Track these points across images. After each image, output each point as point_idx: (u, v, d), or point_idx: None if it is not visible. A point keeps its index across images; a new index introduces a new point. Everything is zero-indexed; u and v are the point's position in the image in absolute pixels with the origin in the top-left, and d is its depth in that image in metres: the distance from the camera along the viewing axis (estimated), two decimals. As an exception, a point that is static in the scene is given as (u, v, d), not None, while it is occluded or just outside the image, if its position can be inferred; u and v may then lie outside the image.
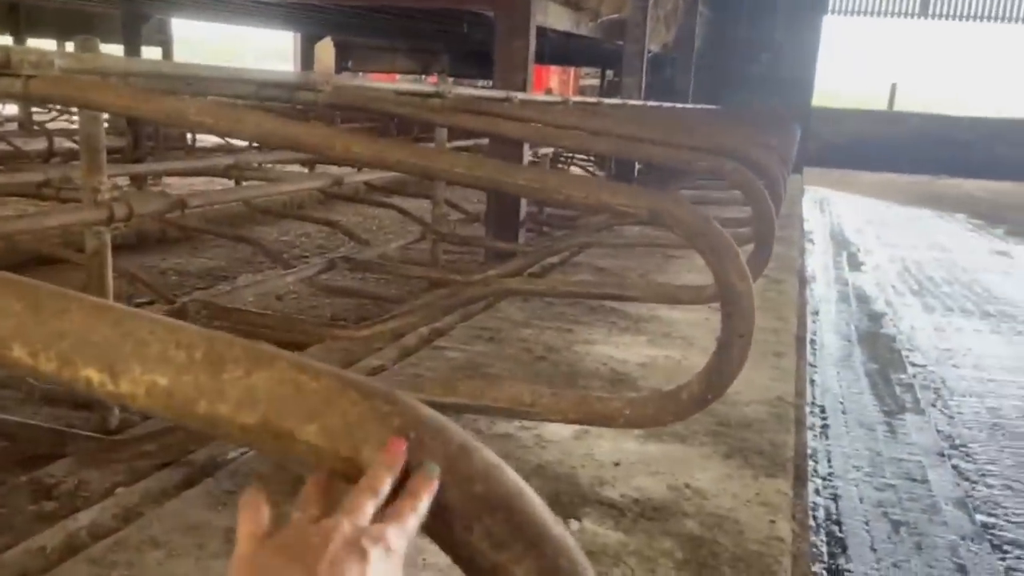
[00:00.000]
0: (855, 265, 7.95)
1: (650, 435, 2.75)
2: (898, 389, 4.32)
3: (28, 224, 2.18)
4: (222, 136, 5.80)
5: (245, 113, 1.49)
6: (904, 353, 4.98)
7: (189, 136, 8.70)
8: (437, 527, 0.44)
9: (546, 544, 0.42)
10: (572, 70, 22.50)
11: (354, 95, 2.52)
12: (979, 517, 2.93)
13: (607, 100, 6.42)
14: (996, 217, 11.78)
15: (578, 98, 5.83)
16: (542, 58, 12.53)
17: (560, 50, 11.29)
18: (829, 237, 9.52)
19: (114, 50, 10.22)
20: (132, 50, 9.10)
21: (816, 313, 5.80)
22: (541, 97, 4.43)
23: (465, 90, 3.51)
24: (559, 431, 2.71)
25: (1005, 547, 2.70)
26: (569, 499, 2.28)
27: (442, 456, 0.43)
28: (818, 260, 7.99)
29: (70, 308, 0.49)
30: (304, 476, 0.48)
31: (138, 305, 3.91)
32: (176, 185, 6.80)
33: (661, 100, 8.97)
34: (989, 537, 2.76)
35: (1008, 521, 2.88)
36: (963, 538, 2.76)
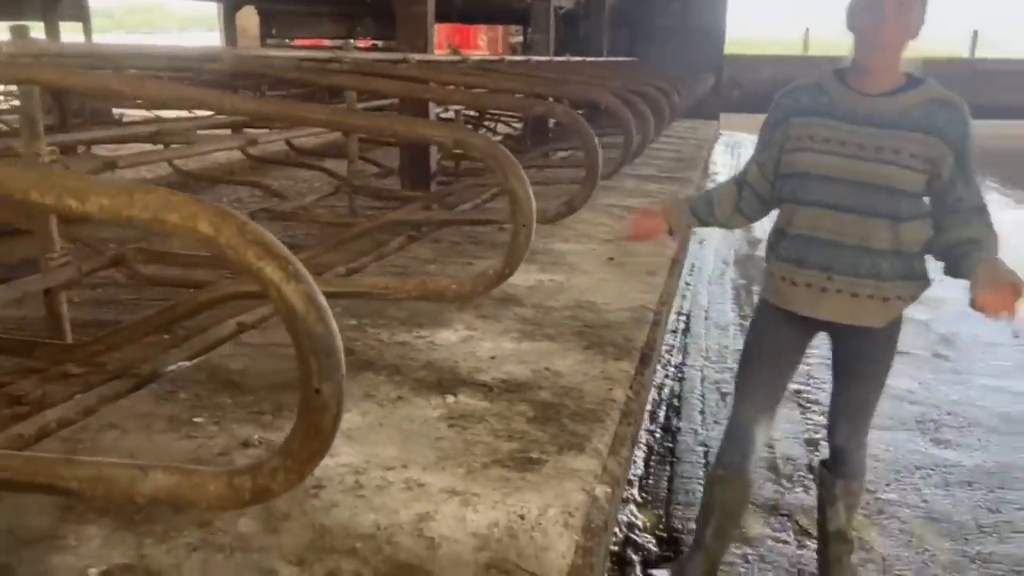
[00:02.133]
0: (749, 200, 8.60)
1: (525, 336, 3.31)
2: (757, 299, 4.96)
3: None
4: (130, 99, 6.15)
5: (146, 81, 1.98)
6: (771, 270, 5.63)
7: (116, 113, 8.95)
8: (231, 264, 0.98)
9: (281, 259, 0.97)
10: (500, 29, 22.80)
11: (252, 63, 2.98)
12: (793, 385, 3.59)
13: (508, 57, 6.89)
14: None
15: (478, 56, 6.30)
16: (450, 18, 12.88)
17: (477, 9, 11.65)
18: (731, 176, 10.18)
19: (33, 27, 10.29)
20: (51, 27, 9.24)
21: (702, 241, 6.45)
22: (437, 57, 4.91)
23: (362, 54, 3.96)
24: (449, 337, 3.26)
25: (807, 404, 3.36)
26: (449, 383, 2.84)
27: (235, 227, 0.98)
28: (715, 197, 8.60)
29: (67, 175, 1.02)
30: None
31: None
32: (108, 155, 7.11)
33: (576, 56, 9.44)
34: (797, 399, 3.42)
35: (815, 387, 3.56)
36: (775, 401, 3.42)
